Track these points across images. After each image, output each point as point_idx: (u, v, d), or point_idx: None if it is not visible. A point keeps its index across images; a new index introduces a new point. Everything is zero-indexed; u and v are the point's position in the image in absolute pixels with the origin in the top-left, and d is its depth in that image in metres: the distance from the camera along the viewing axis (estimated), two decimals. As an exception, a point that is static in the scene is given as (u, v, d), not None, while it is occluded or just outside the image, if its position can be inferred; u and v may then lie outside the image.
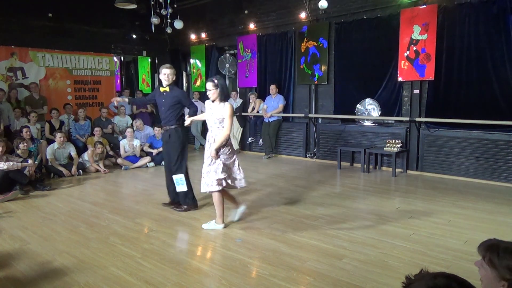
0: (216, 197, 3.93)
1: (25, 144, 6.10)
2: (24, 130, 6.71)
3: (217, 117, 3.82)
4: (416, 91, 6.64)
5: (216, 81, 3.81)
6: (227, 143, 3.85)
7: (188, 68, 10.95)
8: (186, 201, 4.62)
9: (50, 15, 8.61)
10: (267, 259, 3.24)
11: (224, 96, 3.84)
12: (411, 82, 6.66)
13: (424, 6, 6.34)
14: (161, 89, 4.54)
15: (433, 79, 6.35)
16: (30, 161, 5.88)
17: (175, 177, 4.48)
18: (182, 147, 4.56)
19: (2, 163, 5.44)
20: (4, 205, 5.02)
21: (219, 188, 3.84)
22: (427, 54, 6.35)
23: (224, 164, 3.85)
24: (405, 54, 6.58)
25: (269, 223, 4.14)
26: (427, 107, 6.54)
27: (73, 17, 8.90)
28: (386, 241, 3.59)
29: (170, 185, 4.68)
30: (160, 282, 2.89)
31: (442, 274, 1.17)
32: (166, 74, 4.44)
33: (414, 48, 6.48)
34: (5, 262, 3.26)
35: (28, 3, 8.12)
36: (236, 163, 4.00)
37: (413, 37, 6.47)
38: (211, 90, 3.80)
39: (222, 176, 3.81)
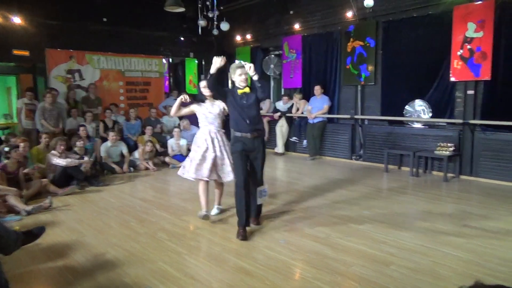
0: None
1: (82, 142, 6.49)
2: (81, 128, 7.13)
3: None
4: (471, 92, 6.28)
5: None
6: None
7: (233, 69, 11.07)
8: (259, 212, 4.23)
9: (105, 20, 9.07)
10: (310, 262, 3.20)
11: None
12: (465, 83, 6.32)
13: (480, 2, 5.99)
14: (240, 91, 3.83)
15: (489, 79, 5.98)
16: (86, 158, 6.23)
17: (260, 188, 3.99)
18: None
19: (62, 159, 5.81)
20: (63, 198, 5.36)
21: None
22: (482, 52, 5.99)
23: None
24: (459, 53, 6.25)
25: (313, 225, 4.09)
26: (483, 108, 6.17)
27: (125, 21, 9.32)
28: (437, 249, 3.43)
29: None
30: (205, 278, 2.95)
31: (500, 287, 1.09)
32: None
33: (468, 47, 6.14)
34: (64, 252, 3.48)
35: (85, 9, 8.61)
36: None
37: (467, 35, 6.14)
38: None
39: None
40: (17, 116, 7.57)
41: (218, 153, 4.20)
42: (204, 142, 4.21)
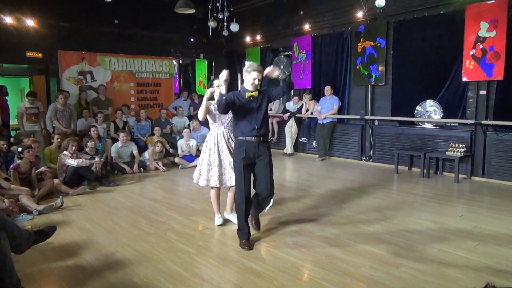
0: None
1: (93, 142, 6.56)
2: (92, 129, 7.22)
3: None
4: (483, 92, 6.20)
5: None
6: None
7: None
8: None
9: (116, 21, 9.17)
10: (319, 263, 3.20)
11: None
12: (477, 83, 6.23)
13: (493, 1, 5.90)
14: (248, 94, 3.56)
15: (502, 79, 5.89)
16: (97, 159, 6.31)
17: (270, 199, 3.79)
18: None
19: (73, 160, 5.89)
20: (74, 198, 5.44)
21: None
22: (495, 52, 5.91)
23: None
24: (471, 53, 6.17)
25: (322, 227, 4.08)
26: (495, 109, 6.08)
27: (136, 23, 9.42)
28: (447, 251, 3.39)
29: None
30: (213, 279, 2.97)
31: (511, 289, 1.08)
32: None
33: (481, 46, 6.05)
34: (74, 252, 3.53)
35: (96, 11, 8.71)
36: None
37: (479, 34, 6.06)
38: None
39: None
40: (18, 120, 7.64)
41: (227, 154, 3.99)
42: (214, 145, 4.00)
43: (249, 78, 3.54)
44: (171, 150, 8.01)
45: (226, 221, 4.26)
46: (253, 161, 3.58)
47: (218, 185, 4.03)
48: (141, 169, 7.28)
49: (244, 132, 3.56)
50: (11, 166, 5.30)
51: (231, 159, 3.92)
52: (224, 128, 4.05)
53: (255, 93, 3.56)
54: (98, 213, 4.75)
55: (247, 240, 3.59)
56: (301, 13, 8.94)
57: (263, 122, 3.61)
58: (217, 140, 4.02)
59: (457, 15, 6.33)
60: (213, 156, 4.01)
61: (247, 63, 3.71)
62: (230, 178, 3.98)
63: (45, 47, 8.35)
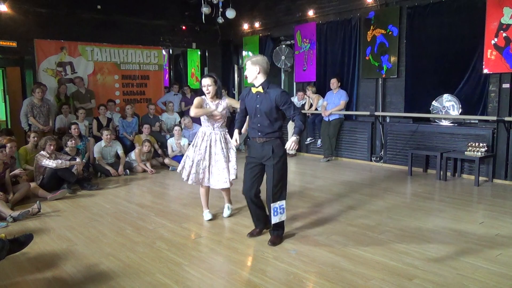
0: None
1: (73, 141, 6.56)
2: (73, 127, 7.21)
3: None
4: (506, 85, 6.22)
5: (215, 77, 4.34)
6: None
7: (240, 61, 11.13)
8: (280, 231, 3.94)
9: (99, 7, 9.15)
10: (325, 275, 3.20)
11: (220, 94, 4.39)
12: (500, 75, 6.25)
13: (518, -16, 5.93)
14: (253, 90, 3.71)
15: (527, 71, 5.94)
16: (78, 159, 6.30)
17: (274, 205, 3.68)
18: (285, 164, 3.80)
19: (51, 161, 5.88)
20: (52, 203, 5.43)
21: None
22: (520, 41, 5.94)
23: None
24: (493, 42, 6.19)
25: (328, 234, 4.09)
26: (520, 104, 6.12)
27: (122, 9, 9.40)
28: (466, 261, 3.40)
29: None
30: (207, 292, 2.97)
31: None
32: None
33: (504, 35, 6.07)
34: (53, 262, 3.52)
35: (77, -5, 8.71)
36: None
37: (502, 21, 6.07)
38: (211, 85, 4.25)
39: None
40: None
41: (214, 156, 4.36)
42: (200, 142, 4.38)
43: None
44: (159, 151, 8.01)
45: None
46: (259, 162, 3.77)
47: (195, 183, 4.43)
48: (127, 171, 7.28)
49: (250, 132, 3.82)
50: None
51: (215, 160, 4.35)
52: (213, 130, 4.38)
53: (260, 89, 3.67)
54: (80, 220, 4.74)
55: (255, 228, 4.04)
56: (305, -3, 8.96)
57: (267, 122, 3.65)
58: (206, 137, 4.37)
59: (477, 1, 6.34)
60: (197, 152, 4.37)
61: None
62: (208, 179, 4.39)
63: (19, 35, 8.33)
